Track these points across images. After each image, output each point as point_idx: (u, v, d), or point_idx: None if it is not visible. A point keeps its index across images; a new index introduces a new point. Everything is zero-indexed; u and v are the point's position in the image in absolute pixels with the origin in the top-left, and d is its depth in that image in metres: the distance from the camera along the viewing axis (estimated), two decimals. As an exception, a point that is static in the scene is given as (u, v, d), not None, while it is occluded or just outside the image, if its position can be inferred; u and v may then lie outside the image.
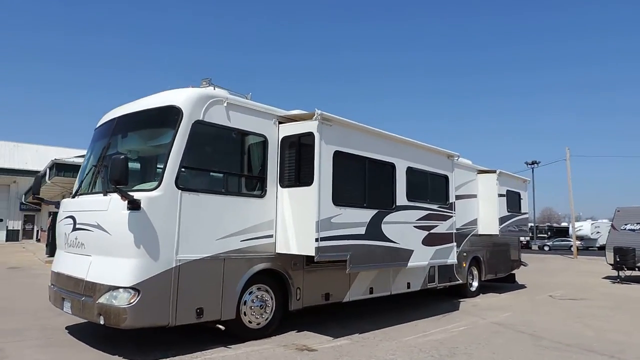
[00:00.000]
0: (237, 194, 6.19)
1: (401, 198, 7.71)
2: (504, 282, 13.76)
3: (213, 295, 5.80)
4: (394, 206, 7.55)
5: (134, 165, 6.06)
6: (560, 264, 25.46)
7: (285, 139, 6.66)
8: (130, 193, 5.28)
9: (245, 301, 6.25)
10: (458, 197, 10.83)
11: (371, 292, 8.13)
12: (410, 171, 7.98)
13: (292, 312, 6.89)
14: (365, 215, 6.94)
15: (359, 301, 8.35)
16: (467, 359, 5.76)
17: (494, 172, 11.72)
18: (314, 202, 6.11)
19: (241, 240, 6.13)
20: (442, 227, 8.68)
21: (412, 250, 7.83)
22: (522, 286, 14.04)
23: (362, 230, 6.83)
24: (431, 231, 8.37)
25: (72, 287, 5.71)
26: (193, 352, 5.63)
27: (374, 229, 7.05)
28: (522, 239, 53.82)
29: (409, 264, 7.75)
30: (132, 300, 5.08)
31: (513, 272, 13.73)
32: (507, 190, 12.09)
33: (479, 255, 11.76)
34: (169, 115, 5.68)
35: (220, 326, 5.98)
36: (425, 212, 8.25)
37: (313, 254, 6.05)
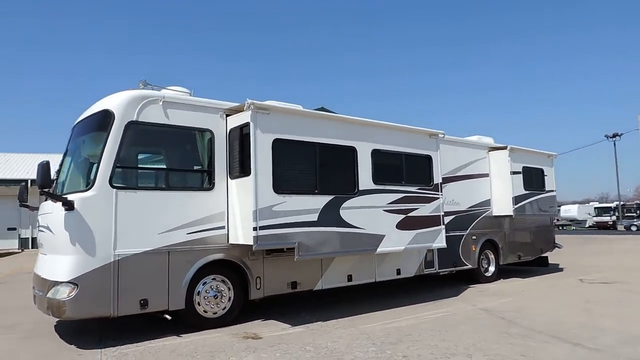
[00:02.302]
0: (180, 189, 6.39)
1: (366, 182, 7.47)
2: (539, 266, 12.81)
3: (158, 286, 6.05)
4: (356, 191, 7.33)
5: (84, 169, 6.45)
6: (628, 245, 22.97)
7: (231, 131, 6.75)
8: (67, 195, 5.70)
9: (199, 291, 6.45)
10: (462, 178, 10.34)
11: (350, 280, 7.98)
12: (376, 154, 7.69)
13: (253, 301, 7.00)
14: (317, 201, 6.82)
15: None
16: (408, 346, 5.49)
17: (505, 148, 10.91)
18: (251, 192, 6.14)
19: (187, 233, 6.32)
20: (423, 210, 8.26)
21: (383, 235, 7.56)
22: (559, 269, 12.97)
23: (313, 217, 6.73)
24: (409, 214, 8.00)
25: (36, 284, 6.26)
26: (141, 342, 5.92)
27: (329, 216, 6.91)
28: (606, 219, 49.38)
29: (378, 249, 7.49)
30: (71, 294, 5.47)
31: (544, 255, 12.70)
32: (524, 167, 11.19)
33: (494, 238, 11.03)
34: (104, 119, 6.00)
35: (167, 316, 6.22)
36: (399, 195, 7.91)
37: (252, 244, 6.09)
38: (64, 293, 5.50)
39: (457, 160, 10.25)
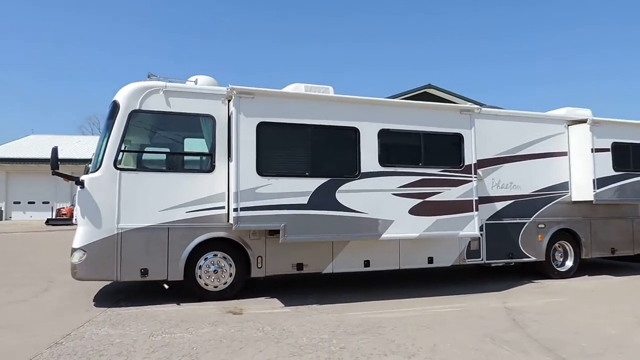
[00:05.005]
0: (180, 171, 6.90)
1: (370, 164, 7.04)
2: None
3: (158, 258, 6.70)
4: (357, 173, 6.97)
5: (98, 152, 7.30)
6: None
7: (230, 116, 7.00)
8: (83, 175, 6.66)
9: (201, 266, 6.96)
10: (525, 157, 9.07)
11: (367, 265, 7.70)
12: (385, 134, 7.16)
13: (257, 279, 7.27)
14: (308, 184, 6.70)
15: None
16: (362, 338, 5.16)
17: (584, 121, 9.12)
18: (233, 174, 6.35)
19: (187, 212, 6.83)
20: (448, 194, 7.45)
21: (391, 221, 7.07)
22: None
23: (303, 200, 6.64)
24: (427, 199, 7.32)
25: None
26: (143, 306, 6.65)
27: (322, 198, 6.74)
28: None
29: (384, 236, 7.04)
30: (81, 258, 6.44)
31: (655, 249, 10.34)
32: (615, 143, 9.22)
33: (573, 227, 9.39)
34: (113, 109, 6.79)
35: (165, 285, 6.87)
36: (414, 178, 7.27)
37: (233, 224, 6.33)
38: (76, 257, 6.49)
39: (519, 137, 8.94)
